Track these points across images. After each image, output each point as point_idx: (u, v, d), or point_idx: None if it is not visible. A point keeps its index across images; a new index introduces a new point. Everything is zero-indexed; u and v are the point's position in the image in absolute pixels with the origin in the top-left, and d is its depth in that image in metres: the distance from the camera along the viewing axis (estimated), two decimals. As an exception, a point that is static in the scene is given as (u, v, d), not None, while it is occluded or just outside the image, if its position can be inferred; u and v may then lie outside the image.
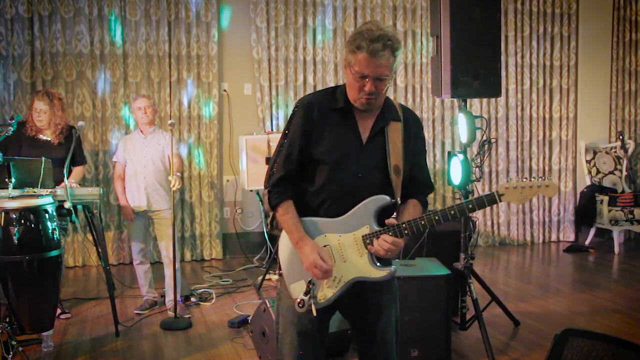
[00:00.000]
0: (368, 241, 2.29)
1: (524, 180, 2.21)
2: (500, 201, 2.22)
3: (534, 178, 2.22)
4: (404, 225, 2.26)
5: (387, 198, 2.31)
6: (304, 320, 2.35)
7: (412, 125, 2.43)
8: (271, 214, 2.44)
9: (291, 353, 2.40)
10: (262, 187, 5.95)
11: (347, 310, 2.48)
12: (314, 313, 2.29)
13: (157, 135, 5.05)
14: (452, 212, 2.24)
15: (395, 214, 2.44)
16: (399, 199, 2.37)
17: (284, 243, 2.41)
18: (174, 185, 4.75)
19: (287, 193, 2.36)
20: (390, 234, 2.26)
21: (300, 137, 2.33)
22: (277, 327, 2.48)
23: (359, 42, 2.20)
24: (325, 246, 2.33)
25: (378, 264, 2.31)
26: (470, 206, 2.24)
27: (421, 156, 2.49)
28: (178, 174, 4.86)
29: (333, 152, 2.32)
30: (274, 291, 5.50)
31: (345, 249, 2.32)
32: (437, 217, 2.25)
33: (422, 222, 2.25)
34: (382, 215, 2.33)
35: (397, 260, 4.20)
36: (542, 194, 2.22)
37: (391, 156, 2.34)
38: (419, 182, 2.46)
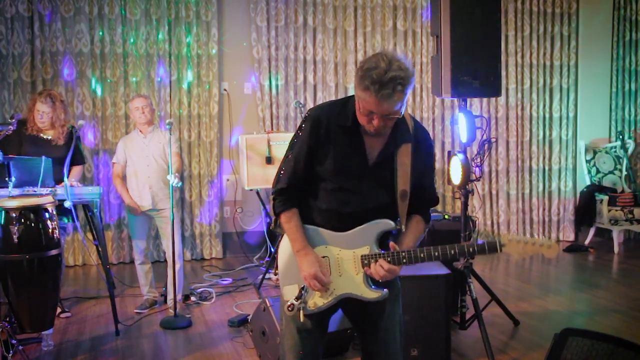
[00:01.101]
0: (366, 262, 2.31)
1: (528, 236, 2.27)
2: (501, 251, 2.26)
3: (538, 237, 2.29)
4: (403, 254, 2.28)
5: (392, 224, 2.33)
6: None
7: (423, 146, 2.40)
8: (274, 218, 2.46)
9: (292, 349, 2.43)
10: (262, 187, 6.00)
11: (350, 308, 2.48)
12: (301, 319, 2.32)
13: (157, 134, 5.05)
14: (452, 252, 2.29)
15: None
16: (404, 226, 2.37)
17: (285, 246, 2.43)
18: (173, 182, 4.72)
19: (291, 202, 2.38)
20: (389, 259, 2.28)
21: (306, 153, 2.33)
22: (281, 321, 2.51)
23: (367, 84, 2.12)
24: (324, 257, 2.35)
25: (372, 285, 2.34)
26: (471, 250, 2.28)
27: (429, 175, 2.49)
28: (177, 174, 4.84)
29: (337, 172, 2.32)
30: (274, 290, 5.51)
31: (343, 264, 2.34)
32: (436, 254, 2.29)
33: (422, 255, 2.29)
34: (384, 237, 2.35)
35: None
36: (543, 253, 2.27)
37: (399, 182, 2.33)
38: (424, 199, 2.46)
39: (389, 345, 2.45)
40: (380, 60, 2.12)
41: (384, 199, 2.34)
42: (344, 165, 2.31)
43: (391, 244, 2.31)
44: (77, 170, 4.83)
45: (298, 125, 2.41)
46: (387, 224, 2.33)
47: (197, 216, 6.76)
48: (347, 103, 2.34)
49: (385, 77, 2.09)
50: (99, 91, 6.42)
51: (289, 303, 2.31)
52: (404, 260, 2.28)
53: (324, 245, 2.35)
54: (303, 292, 2.33)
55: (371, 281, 2.34)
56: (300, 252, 2.33)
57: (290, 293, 2.37)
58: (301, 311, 2.31)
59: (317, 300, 2.36)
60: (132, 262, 6.23)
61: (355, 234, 2.33)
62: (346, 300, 2.38)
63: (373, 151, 2.33)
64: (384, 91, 2.11)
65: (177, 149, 5.02)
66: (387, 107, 2.16)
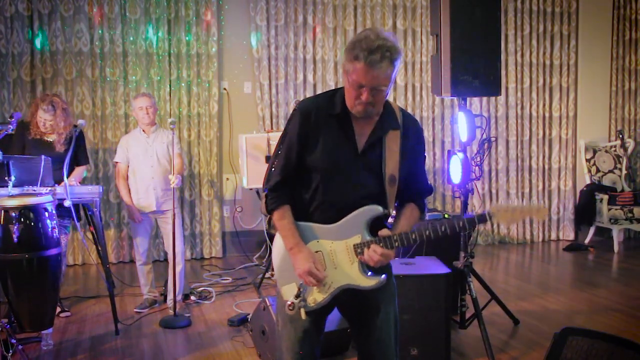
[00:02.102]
0: (359, 250, 2.30)
1: (516, 203, 2.27)
2: (491, 221, 2.25)
3: (526, 202, 2.28)
4: (395, 237, 2.27)
5: (380, 209, 2.32)
6: (300, 317, 2.35)
7: (412, 133, 2.41)
8: (268, 216, 2.44)
9: (289, 349, 2.42)
10: (262, 186, 5.99)
11: (345, 308, 2.48)
12: (303, 317, 2.31)
13: (160, 134, 5.01)
14: (443, 229, 2.27)
15: (389, 220, 2.45)
16: (391, 210, 2.37)
17: (278, 245, 2.43)
18: (173, 182, 4.71)
19: (283, 198, 2.37)
20: (381, 245, 2.27)
21: (297, 143, 2.32)
22: (277, 323, 2.50)
23: (356, 52, 2.17)
24: (317, 251, 2.34)
25: (369, 272, 2.33)
26: (461, 224, 2.27)
27: (420, 163, 2.49)
28: (179, 175, 4.84)
29: (327, 160, 2.31)
30: (274, 290, 5.51)
31: (337, 255, 2.33)
32: (427, 232, 2.28)
33: (413, 236, 2.28)
34: (374, 224, 2.34)
35: (396, 259, 4.20)
36: (533, 216, 2.27)
37: (387, 166, 2.34)
38: (417, 189, 2.47)
39: (385, 345, 2.44)
40: (369, 33, 2.20)
41: (374, 186, 2.34)
42: (334, 152, 2.32)
43: (380, 232, 2.30)
44: (79, 170, 4.83)
45: (287, 119, 2.42)
46: (375, 209, 2.31)
47: (197, 215, 6.76)
48: (335, 94, 2.37)
49: (374, 45, 2.15)
50: (98, 90, 6.42)
51: (289, 302, 2.30)
52: (396, 243, 2.27)
53: (316, 240, 2.35)
54: (302, 289, 2.31)
55: (367, 269, 2.33)
56: (294, 249, 2.33)
57: (289, 292, 2.36)
58: (302, 309, 2.30)
59: (316, 296, 2.35)
60: (132, 261, 6.24)
61: (344, 224, 2.32)
62: (342, 298, 2.37)
63: (362, 138, 2.34)
64: (373, 56, 2.15)
65: (179, 149, 5.00)
66: (376, 75, 2.17)
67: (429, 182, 2.55)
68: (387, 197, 2.35)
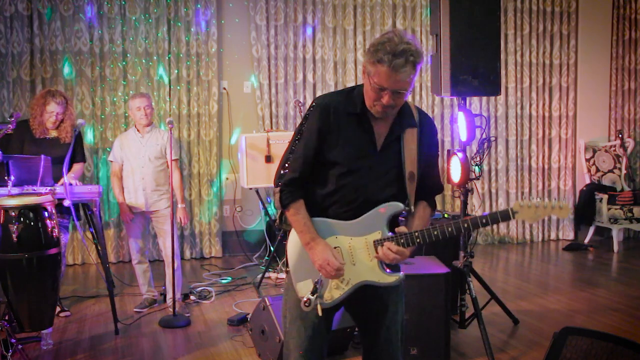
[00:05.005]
0: (379, 246, 2.30)
1: (539, 200, 2.24)
2: (514, 218, 2.23)
3: (549, 199, 2.26)
4: (416, 233, 2.27)
5: (401, 206, 2.32)
6: (310, 314, 2.36)
7: (427, 131, 2.42)
8: (281, 210, 2.43)
9: (297, 347, 2.41)
10: (262, 185, 5.97)
11: (353, 307, 2.48)
12: (320, 313, 2.31)
13: (155, 134, 5.00)
14: (466, 225, 2.25)
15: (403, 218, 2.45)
16: (412, 207, 2.37)
17: (293, 241, 2.41)
18: (183, 222, 4.97)
19: (298, 193, 2.36)
20: (402, 241, 2.27)
21: (316, 139, 2.32)
22: (284, 320, 2.49)
23: (380, 55, 2.16)
24: (335, 247, 2.34)
25: (388, 270, 2.33)
26: (484, 221, 2.26)
27: (434, 160, 2.49)
28: (182, 205, 4.99)
29: (347, 157, 2.31)
30: (274, 289, 5.51)
31: (356, 252, 2.33)
32: (450, 229, 2.27)
33: (435, 232, 2.27)
34: (394, 221, 2.35)
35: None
36: (556, 215, 2.25)
37: (406, 163, 2.34)
38: (429, 185, 2.47)
39: (391, 344, 2.45)
40: (392, 35, 2.18)
41: (393, 183, 2.35)
42: (354, 149, 2.32)
43: (397, 229, 2.31)
44: (77, 167, 4.84)
45: (304, 115, 2.40)
46: (397, 206, 2.32)
47: (196, 215, 6.76)
48: (353, 91, 2.37)
49: (398, 48, 2.14)
50: (98, 90, 6.42)
51: (305, 299, 2.28)
52: (418, 240, 2.27)
53: (334, 236, 2.34)
54: (318, 286, 2.30)
55: (386, 266, 2.33)
56: (310, 243, 2.32)
57: (304, 289, 2.35)
58: (319, 306, 2.30)
59: (333, 293, 2.34)
60: (131, 261, 6.24)
61: (364, 220, 2.32)
62: (353, 296, 2.37)
63: (380, 136, 2.34)
64: (397, 60, 2.14)
65: (175, 155, 4.95)
66: (399, 79, 2.17)
67: (440, 180, 2.55)
68: (408, 194, 2.36)
